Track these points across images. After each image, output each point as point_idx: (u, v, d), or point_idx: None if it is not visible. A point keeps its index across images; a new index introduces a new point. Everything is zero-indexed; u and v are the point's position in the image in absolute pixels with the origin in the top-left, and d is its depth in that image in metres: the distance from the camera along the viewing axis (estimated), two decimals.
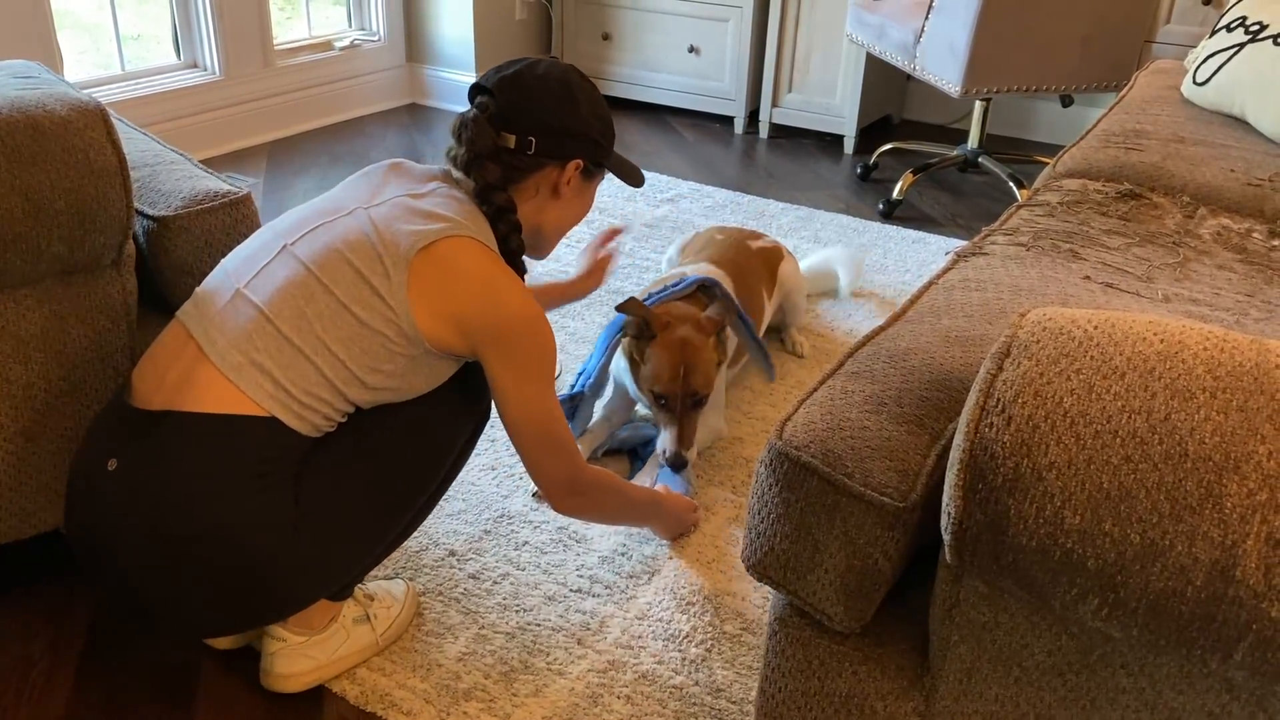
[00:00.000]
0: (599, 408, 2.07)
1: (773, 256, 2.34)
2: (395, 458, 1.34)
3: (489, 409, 1.49)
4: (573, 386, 2.04)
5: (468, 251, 1.32)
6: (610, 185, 3.43)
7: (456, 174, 1.43)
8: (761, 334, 2.29)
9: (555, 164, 1.43)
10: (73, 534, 1.28)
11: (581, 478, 1.44)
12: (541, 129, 1.40)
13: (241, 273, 1.33)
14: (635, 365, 1.90)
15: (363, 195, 1.38)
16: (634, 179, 1.56)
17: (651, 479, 1.91)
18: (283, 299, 1.27)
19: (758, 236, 2.35)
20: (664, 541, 1.77)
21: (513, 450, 1.99)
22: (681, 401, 1.81)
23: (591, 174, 1.49)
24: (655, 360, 1.83)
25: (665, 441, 1.82)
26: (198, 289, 1.36)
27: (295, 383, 1.25)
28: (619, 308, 1.84)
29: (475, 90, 1.43)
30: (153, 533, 1.21)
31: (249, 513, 1.22)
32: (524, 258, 1.47)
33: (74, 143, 1.35)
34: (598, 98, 1.47)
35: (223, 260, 1.39)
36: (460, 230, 1.32)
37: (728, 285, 2.08)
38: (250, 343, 1.26)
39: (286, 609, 1.34)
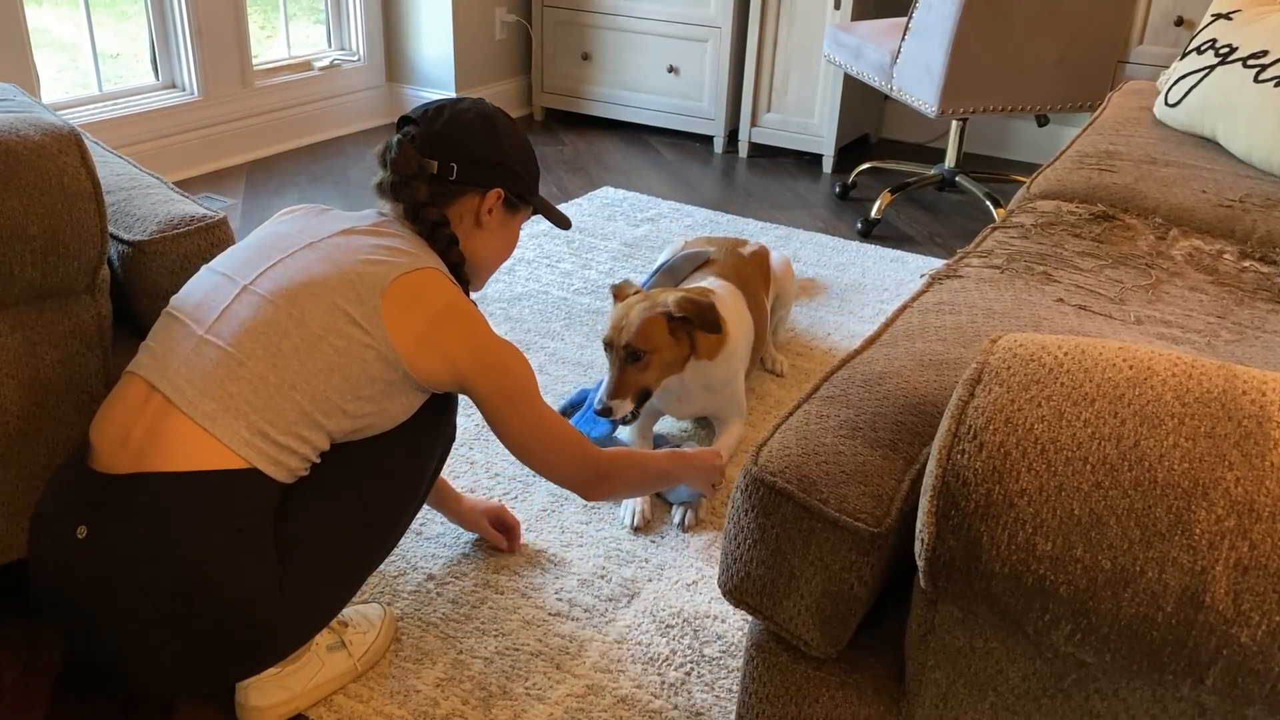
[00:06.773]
0: (624, 434, 2.11)
1: (763, 258, 2.41)
2: (370, 496, 1.33)
3: (454, 431, 1.50)
4: (564, 403, 2.05)
5: (436, 283, 1.36)
6: (590, 206, 3.44)
7: (385, 207, 1.47)
8: (767, 332, 2.39)
9: (476, 191, 1.47)
10: (42, 599, 1.24)
11: (600, 465, 1.50)
12: (462, 156, 1.44)
13: (200, 319, 1.29)
14: None
15: (309, 230, 1.39)
16: (561, 222, 1.60)
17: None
18: (253, 340, 1.25)
19: (743, 243, 2.41)
20: (644, 563, 1.76)
21: (492, 473, 1.99)
22: (617, 352, 1.93)
23: (515, 206, 1.53)
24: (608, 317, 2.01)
25: (600, 390, 1.95)
26: (147, 342, 1.31)
27: (274, 423, 1.23)
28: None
29: (402, 121, 1.49)
30: (133, 602, 1.18)
31: (233, 574, 1.19)
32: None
33: (48, 167, 1.35)
34: (520, 135, 1.53)
35: (166, 310, 1.34)
36: (425, 263, 1.36)
37: (738, 297, 2.16)
38: (223, 388, 1.23)
39: (275, 660, 1.33)
